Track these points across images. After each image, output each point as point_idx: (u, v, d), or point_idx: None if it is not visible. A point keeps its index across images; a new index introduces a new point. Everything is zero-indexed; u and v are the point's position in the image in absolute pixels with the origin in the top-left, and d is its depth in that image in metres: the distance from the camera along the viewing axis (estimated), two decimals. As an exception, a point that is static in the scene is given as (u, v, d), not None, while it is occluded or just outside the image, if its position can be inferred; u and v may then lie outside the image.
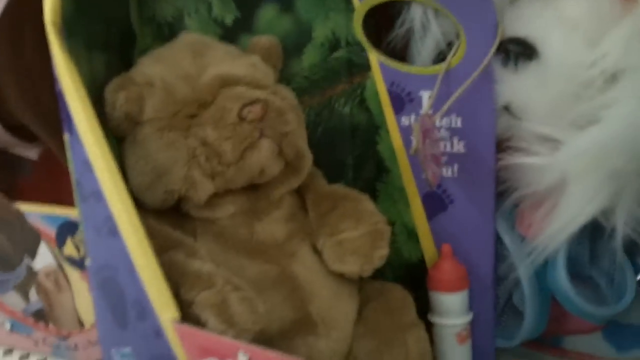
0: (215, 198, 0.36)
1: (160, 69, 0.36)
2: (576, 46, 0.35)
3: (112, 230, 0.32)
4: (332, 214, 0.39)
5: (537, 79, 0.37)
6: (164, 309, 0.32)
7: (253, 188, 0.38)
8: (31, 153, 0.51)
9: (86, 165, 0.32)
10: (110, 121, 0.36)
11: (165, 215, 0.37)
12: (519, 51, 0.37)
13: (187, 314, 0.32)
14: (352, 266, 0.37)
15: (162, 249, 0.34)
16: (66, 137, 0.32)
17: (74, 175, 0.33)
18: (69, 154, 0.33)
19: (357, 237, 0.37)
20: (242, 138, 0.34)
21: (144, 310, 0.32)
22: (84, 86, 0.32)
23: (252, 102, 0.35)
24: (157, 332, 0.32)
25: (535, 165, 0.37)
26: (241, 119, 0.34)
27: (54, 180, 0.57)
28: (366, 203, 0.39)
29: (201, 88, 0.36)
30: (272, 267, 0.37)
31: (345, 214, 0.38)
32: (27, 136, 0.48)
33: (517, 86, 0.38)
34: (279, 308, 0.36)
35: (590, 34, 0.35)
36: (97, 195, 0.32)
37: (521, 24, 0.37)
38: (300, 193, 0.40)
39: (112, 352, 0.35)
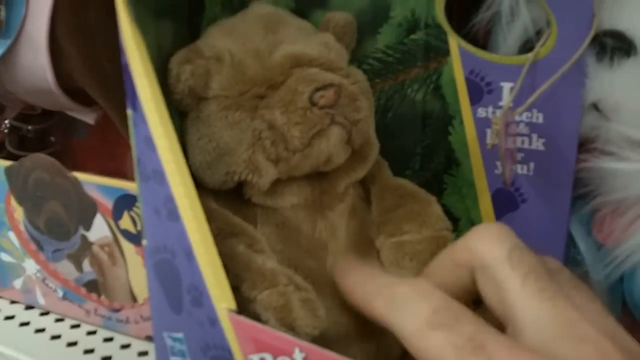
0: (279, 185, 0.35)
1: (230, 43, 0.34)
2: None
3: (172, 213, 0.31)
4: (396, 212, 0.37)
5: (633, 77, 0.34)
6: (221, 298, 0.30)
7: (318, 179, 0.36)
8: (88, 117, 0.51)
9: (149, 144, 0.30)
10: (173, 94, 0.34)
11: (227, 199, 0.35)
12: (615, 46, 0.34)
13: (247, 310, 0.31)
14: (409, 271, 0.35)
15: (222, 234, 0.33)
16: (129, 112, 0.31)
17: (135, 153, 0.32)
18: (131, 131, 0.31)
19: (419, 241, 0.35)
20: (312, 124, 0.32)
21: (201, 297, 0.31)
22: (150, 59, 0.30)
23: (325, 86, 0.32)
24: (212, 321, 0.31)
25: (623, 170, 0.34)
26: (312, 103, 0.32)
27: (108, 145, 0.57)
28: (434, 206, 0.37)
29: (272, 67, 0.34)
30: (331, 268, 0.35)
31: (410, 215, 0.36)
32: (86, 100, 0.48)
33: (610, 83, 0.35)
34: (336, 312, 0.34)
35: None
36: (159, 176, 0.30)
37: (621, 16, 0.34)
38: (363, 183, 0.38)
39: (164, 334, 0.34)
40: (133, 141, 0.32)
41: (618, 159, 0.35)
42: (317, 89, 0.32)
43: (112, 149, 0.56)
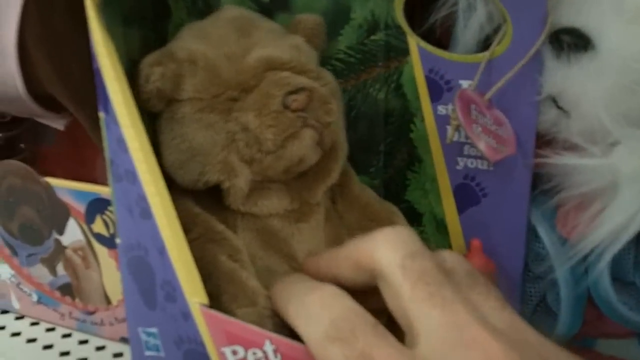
0: (258, 196, 0.36)
1: (204, 46, 0.35)
2: (635, 38, 0.33)
3: (145, 212, 0.32)
4: (358, 233, 0.37)
5: (590, 71, 0.35)
6: (193, 293, 0.31)
7: (297, 187, 0.37)
8: (58, 124, 0.51)
9: (121, 145, 0.31)
10: (141, 94, 0.34)
11: (208, 203, 0.36)
12: (572, 42, 0.36)
13: None
14: None
15: (203, 239, 0.34)
16: (101, 115, 0.32)
17: (107, 155, 0.33)
18: (104, 133, 0.32)
19: None
20: (285, 127, 0.33)
21: (174, 292, 0.32)
22: (120, 64, 0.31)
23: (297, 90, 0.33)
24: (185, 315, 0.32)
25: (585, 166, 0.36)
26: (285, 107, 0.33)
27: (77, 151, 0.57)
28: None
29: (245, 71, 0.34)
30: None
31: None
32: (55, 107, 0.48)
33: (569, 78, 0.36)
34: None
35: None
36: (131, 176, 0.31)
37: (577, 13, 0.36)
38: (331, 192, 0.40)
39: (139, 330, 0.35)
40: (106, 143, 0.33)
41: (580, 154, 0.36)
42: (290, 93, 0.33)
43: (80, 155, 0.57)
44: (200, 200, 0.36)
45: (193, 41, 0.36)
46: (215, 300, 0.32)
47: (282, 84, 0.34)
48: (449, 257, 0.29)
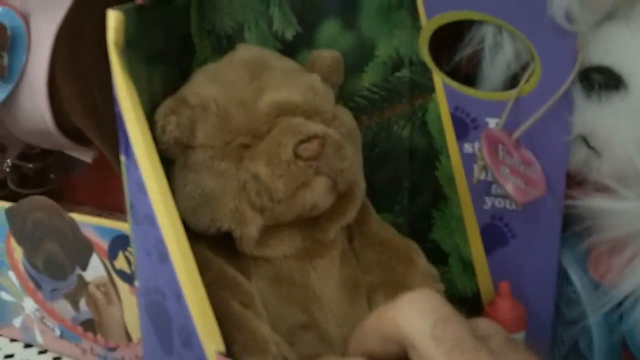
0: (270, 238, 0.35)
1: (215, 91, 0.35)
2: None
3: (163, 256, 0.31)
4: (377, 270, 0.37)
5: (622, 111, 0.34)
6: (210, 340, 0.31)
7: (309, 227, 0.36)
8: (86, 156, 0.52)
9: (141, 189, 0.31)
10: (160, 144, 0.34)
11: (221, 249, 0.35)
12: (603, 81, 0.35)
13: None
14: None
15: (216, 285, 0.33)
16: (122, 158, 0.32)
17: (127, 198, 0.32)
18: (124, 177, 0.32)
19: None
20: (296, 177, 0.32)
21: (190, 338, 0.32)
22: (142, 105, 0.31)
23: (309, 138, 0.33)
24: (202, 363, 0.32)
25: (618, 209, 0.34)
26: (296, 156, 0.32)
27: (106, 181, 0.57)
28: (418, 262, 0.37)
29: (257, 117, 0.34)
30: (323, 319, 0.35)
31: (393, 281, 0.37)
32: (83, 140, 0.48)
33: (599, 117, 0.35)
34: None
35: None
36: (150, 219, 0.31)
37: (607, 51, 0.35)
38: (348, 227, 0.38)
39: (157, 375, 0.35)
40: (126, 186, 0.32)
41: (612, 196, 0.35)
42: (301, 141, 0.32)
43: (109, 185, 0.57)
44: (213, 245, 0.35)
45: (205, 85, 0.35)
46: (227, 348, 0.31)
47: (293, 132, 0.33)
48: (483, 324, 0.28)
